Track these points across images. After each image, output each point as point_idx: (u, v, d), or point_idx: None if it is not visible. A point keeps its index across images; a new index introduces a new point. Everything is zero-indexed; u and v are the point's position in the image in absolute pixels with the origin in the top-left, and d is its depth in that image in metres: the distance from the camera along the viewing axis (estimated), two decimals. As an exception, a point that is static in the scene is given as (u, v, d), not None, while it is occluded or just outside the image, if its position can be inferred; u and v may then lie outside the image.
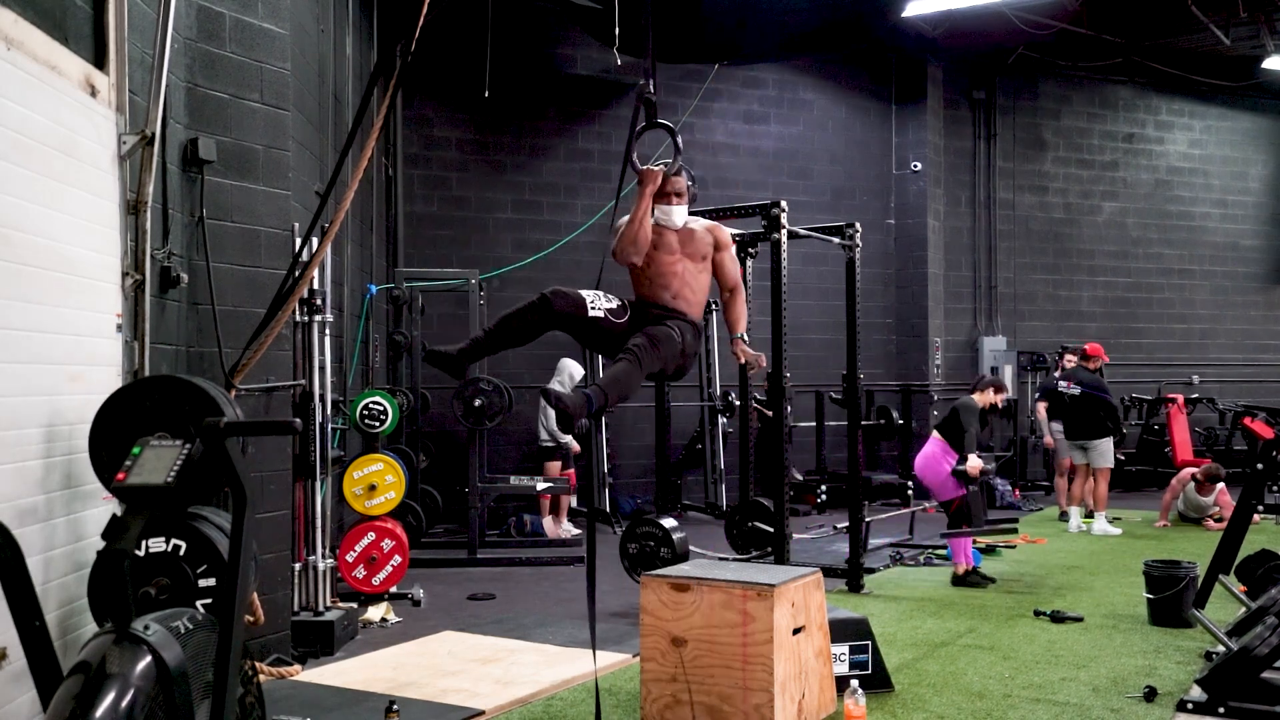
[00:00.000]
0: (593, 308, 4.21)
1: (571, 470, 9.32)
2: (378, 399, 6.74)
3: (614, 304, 4.29)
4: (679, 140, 4.48)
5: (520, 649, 5.32)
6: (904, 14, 10.62)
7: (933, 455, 7.19)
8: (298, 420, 4.74)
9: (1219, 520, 9.16)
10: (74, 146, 3.70)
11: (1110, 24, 12.20)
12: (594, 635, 3.98)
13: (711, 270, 4.56)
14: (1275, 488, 10.29)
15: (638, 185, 4.41)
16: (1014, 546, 8.49)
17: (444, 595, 6.82)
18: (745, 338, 4.70)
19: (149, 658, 2.38)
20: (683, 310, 4.39)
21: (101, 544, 3.14)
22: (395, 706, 3.87)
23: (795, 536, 7.85)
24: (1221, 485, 9.36)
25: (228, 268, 4.85)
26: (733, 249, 4.70)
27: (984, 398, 7.30)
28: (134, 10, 4.11)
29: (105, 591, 3.41)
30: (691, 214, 4.61)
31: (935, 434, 7.32)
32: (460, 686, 4.65)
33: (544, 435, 9.24)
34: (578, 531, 9.19)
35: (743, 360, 4.71)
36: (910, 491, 11.46)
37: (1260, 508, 9.45)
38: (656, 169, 4.37)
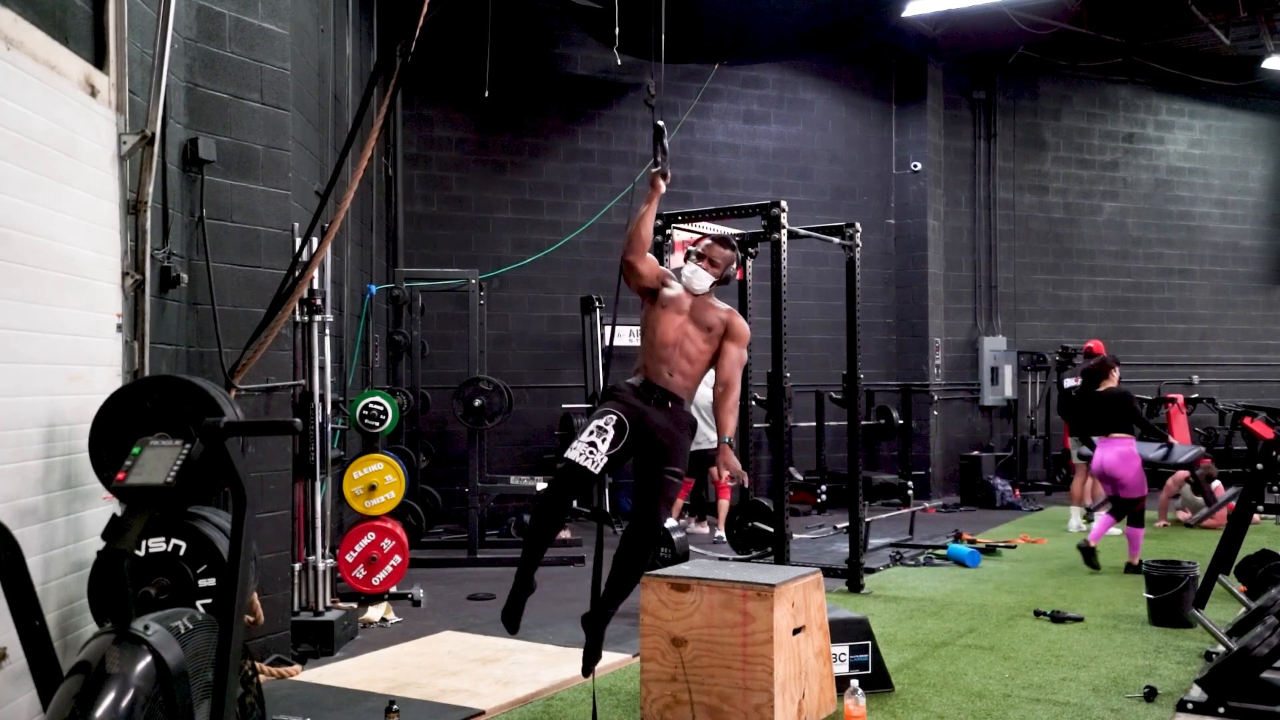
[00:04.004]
0: (594, 466, 3.90)
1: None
2: (378, 399, 6.74)
3: (609, 436, 3.95)
4: (665, 142, 4.36)
5: (520, 649, 5.32)
6: (904, 14, 10.61)
7: (1133, 454, 7.25)
8: (298, 420, 4.76)
9: (1197, 510, 9.38)
10: (74, 146, 3.70)
11: (1110, 24, 12.19)
12: (596, 637, 3.99)
13: (714, 352, 4.24)
14: (1275, 488, 10.28)
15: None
16: (1014, 546, 8.50)
17: (444, 595, 6.82)
18: (733, 444, 4.17)
19: (149, 658, 2.38)
20: (679, 391, 4.11)
21: (101, 544, 3.14)
22: (395, 706, 3.87)
23: (795, 536, 7.85)
24: (1217, 483, 9.41)
25: (228, 268, 4.85)
26: (744, 351, 4.29)
27: (1116, 377, 7.64)
28: (134, 10, 4.11)
29: (105, 591, 3.41)
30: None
31: (1120, 435, 7.33)
32: (460, 686, 4.66)
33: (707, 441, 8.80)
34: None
35: (723, 472, 4.13)
36: (910, 491, 11.45)
37: (1260, 508, 9.46)
38: (655, 171, 4.33)
